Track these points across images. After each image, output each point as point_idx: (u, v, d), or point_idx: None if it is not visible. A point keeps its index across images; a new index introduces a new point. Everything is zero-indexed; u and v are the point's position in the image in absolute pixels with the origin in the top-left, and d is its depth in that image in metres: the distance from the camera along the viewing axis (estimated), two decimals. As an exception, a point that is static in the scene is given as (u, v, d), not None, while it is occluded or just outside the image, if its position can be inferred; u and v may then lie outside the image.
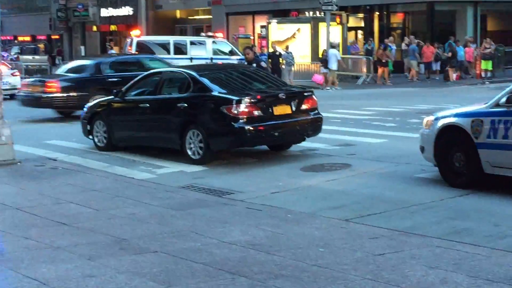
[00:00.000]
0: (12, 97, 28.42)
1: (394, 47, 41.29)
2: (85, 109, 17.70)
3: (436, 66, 39.16)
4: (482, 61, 38.63)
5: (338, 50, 38.31)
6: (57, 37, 74.41)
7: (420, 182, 12.08)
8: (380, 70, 38.04)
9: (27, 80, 28.94)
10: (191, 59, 35.91)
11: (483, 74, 38.31)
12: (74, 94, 23.64)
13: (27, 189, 12.41)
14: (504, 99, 10.89)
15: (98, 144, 16.89)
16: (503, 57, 40.40)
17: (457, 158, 11.42)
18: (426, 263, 7.46)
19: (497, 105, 10.95)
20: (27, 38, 77.13)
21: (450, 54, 38.28)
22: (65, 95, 23.89)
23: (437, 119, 11.90)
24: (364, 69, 39.21)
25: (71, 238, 8.93)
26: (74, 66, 27.62)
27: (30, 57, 55.21)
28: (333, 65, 36.14)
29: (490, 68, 38.35)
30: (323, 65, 37.67)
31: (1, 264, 7.82)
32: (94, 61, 26.92)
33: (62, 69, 28.65)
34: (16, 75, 33.20)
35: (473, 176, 11.20)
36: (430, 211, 10.11)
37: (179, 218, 9.95)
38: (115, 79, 23.51)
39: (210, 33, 45.22)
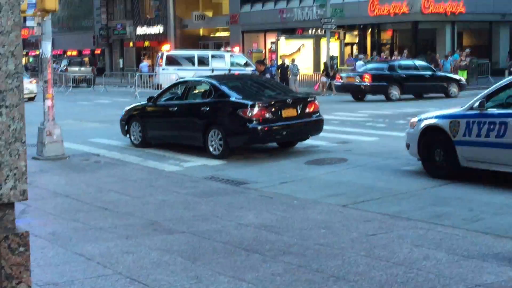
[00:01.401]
0: (30, 99, 31.69)
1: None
2: (123, 112, 17.72)
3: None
4: (459, 71, 38.58)
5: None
6: (99, 52, 74.49)
7: (406, 174, 12.07)
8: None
9: (344, 74, 34.57)
10: (212, 70, 35.96)
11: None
12: (379, 83, 30.85)
13: (75, 179, 12.46)
14: (477, 104, 10.87)
15: (134, 141, 16.90)
16: (476, 68, 40.51)
17: (437, 153, 11.41)
18: (411, 242, 7.48)
19: (471, 108, 10.94)
20: (74, 53, 77.46)
21: (433, 65, 38.40)
22: (374, 84, 30.78)
23: (420, 120, 11.90)
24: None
25: (111, 220, 8.98)
26: (371, 66, 34.10)
27: (76, 68, 55.47)
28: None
29: (465, 76, 38.23)
30: (324, 74, 37.64)
31: (54, 242, 7.87)
32: (387, 63, 33.69)
33: (362, 68, 34.10)
34: (33, 83, 35.28)
35: (451, 169, 11.19)
36: (414, 198, 10.13)
37: (203, 204, 9.98)
38: (404, 76, 30.85)
39: (228, 48, 45.31)
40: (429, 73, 32.59)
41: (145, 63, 54.05)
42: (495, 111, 10.58)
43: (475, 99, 11.13)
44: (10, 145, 2.29)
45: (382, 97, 31.05)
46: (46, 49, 15.55)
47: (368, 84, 31.15)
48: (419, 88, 32.48)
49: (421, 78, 32.24)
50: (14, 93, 2.31)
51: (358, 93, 31.94)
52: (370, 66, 34.72)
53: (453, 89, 32.08)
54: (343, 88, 33.21)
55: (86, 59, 68.07)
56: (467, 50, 41.12)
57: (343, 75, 34.10)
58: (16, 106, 2.30)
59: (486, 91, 11.17)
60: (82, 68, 56.41)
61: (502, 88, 10.91)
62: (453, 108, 11.74)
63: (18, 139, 2.31)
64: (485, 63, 42.68)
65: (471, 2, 44.78)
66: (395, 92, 30.86)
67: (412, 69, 32.66)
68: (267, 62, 40.54)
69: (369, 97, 31.95)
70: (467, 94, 28.59)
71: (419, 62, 34.75)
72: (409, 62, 34.75)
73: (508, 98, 10.76)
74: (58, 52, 75.32)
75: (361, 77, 31.76)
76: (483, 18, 46.03)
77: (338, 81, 33.77)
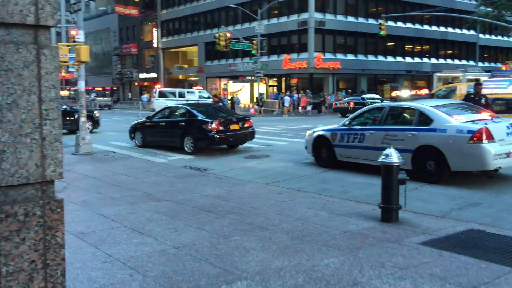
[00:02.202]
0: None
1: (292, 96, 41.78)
2: (130, 125, 17.48)
3: (309, 107, 38.31)
4: (337, 103, 39.22)
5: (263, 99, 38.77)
6: (115, 88, 73.56)
7: (305, 164, 12.16)
8: (285, 108, 37.97)
9: (337, 102, 35.95)
10: (187, 100, 35.66)
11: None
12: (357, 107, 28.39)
13: (99, 167, 12.16)
14: (347, 122, 11.08)
15: (137, 144, 16.59)
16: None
17: (324, 152, 11.55)
18: (306, 206, 7.53)
19: (343, 125, 11.13)
20: (99, 88, 76.73)
21: (322, 99, 39.09)
22: (355, 107, 29.03)
23: (314, 132, 12.01)
24: (277, 106, 39.23)
25: (122, 193, 8.80)
26: (349, 98, 35.14)
27: (101, 98, 55.72)
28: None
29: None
30: (256, 104, 37.90)
31: (84, 207, 7.66)
32: (360, 96, 34.09)
33: (347, 98, 35.39)
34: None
35: (332, 161, 11.33)
36: (309, 179, 10.22)
37: (180, 183, 9.87)
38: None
39: (197, 87, 45.17)
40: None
41: (144, 96, 53.73)
42: (357, 127, 10.75)
43: (345, 119, 11.35)
44: (52, 144, 2.27)
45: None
46: (81, 85, 15.39)
47: (352, 107, 31.46)
48: None
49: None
50: (55, 111, 2.29)
51: (345, 113, 30.91)
52: (348, 98, 35.56)
53: None
54: (337, 110, 34.66)
55: (108, 92, 67.96)
56: (344, 93, 41.95)
57: (337, 102, 36.09)
58: (56, 119, 2.27)
59: (352, 115, 11.37)
60: (105, 98, 56.63)
61: (361, 114, 11.14)
62: (334, 125, 11.93)
63: (57, 140, 2.29)
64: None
65: (344, 61, 45.78)
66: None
67: (373, 99, 32.57)
68: (221, 96, 40.68)
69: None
70: (340, 117, 29.06)
71: (375, 96, 35.56)
72: (372, 96, 35.38)
73: (364, 120, 10.99)
74: (89, 88, 74.84)
75: (348, 103, 33.29)
76: (351, 71, 47.09)
77: (334, 106, 36.13)
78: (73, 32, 16.01)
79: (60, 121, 2.26)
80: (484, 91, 12.96)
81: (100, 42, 77.79)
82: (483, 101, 11.47)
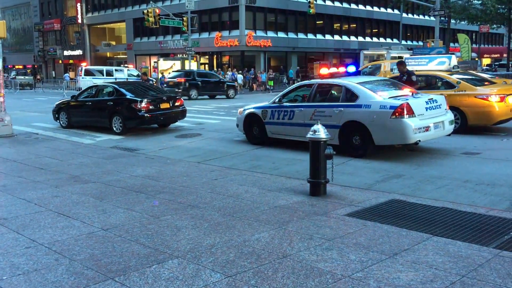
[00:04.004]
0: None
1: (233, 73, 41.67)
2: (54, 105, 16.66)
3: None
4: (269, 81, 39.55)
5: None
6: (37, 66, 69.81)
7: (236, 142, 12.20)
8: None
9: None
10: (115, 79, 34.50)
11: (269, 87, 39.11)
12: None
13: (20, 150, 11.52)
14: (277, 100, 11.18)
15: (62, 125, 15.90)
16: (278, 79, 41.85)
17: (255, 130, 11.60)
18: (238, 182, 7.58)
19: (274, 102, 11.21)
20: (20, 66, 72.65)
21: (253, 76, 39.15)
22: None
23: (245, 109, 12.01)
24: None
25: (45, 176, 8.41)
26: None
27: (22, 77, 53.12)
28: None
29: (272, 84, 39.23)
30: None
31: (4, 191, 7.25)
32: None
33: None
34: None
35: (263, 138, 11.42)
36: (241, 156, 10.27)
37: (108, 163, 9.57)
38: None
39: (126, 65, 43.73)
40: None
41: (66, 74, 51.37)
42: (287, 104, 10.85)
43: (276, 97, 11.42)
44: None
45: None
46: (-1, 63, 14.41)
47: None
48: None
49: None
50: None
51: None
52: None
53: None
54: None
55: (29, 71, 64.64)
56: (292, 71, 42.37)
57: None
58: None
59: (282, 93, 11.43)
60: (26, 77, 53.60)
61: (290, 91, 11.26)
62: (264, 102, 12.00)
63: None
64: (283, 76, 44.18)
65: (275, 39, 46.02)
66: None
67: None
68: (149, 75, 39.78)
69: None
70: (272, 95, 29.39)
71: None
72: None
73: (294, 97, 11.11)
74: (9, 66, 70.80)
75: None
76: (282, 49, 47.48)
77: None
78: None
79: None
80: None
81: (20, 17, 73.37)
82: (404, 78, 12.00)
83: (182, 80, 29.38)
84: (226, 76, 38.41)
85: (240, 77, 38.74)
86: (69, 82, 42.85)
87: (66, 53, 64.09)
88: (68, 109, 15.82)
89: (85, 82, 33.26)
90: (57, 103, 16.67)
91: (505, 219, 5.39)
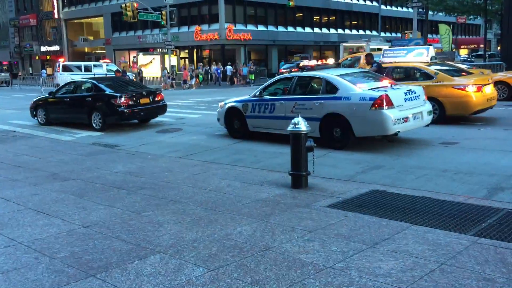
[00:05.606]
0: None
1: (205, 68, 41.48)
2: (31, 102, 16.33)
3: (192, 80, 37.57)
4: (249, 74, 39.44)
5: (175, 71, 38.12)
6: (14, 62, 68.44)
7: (217, 136, 12.17)
8: (196, 80, 37.50)
9: None
10: (94, 74, 34.06)
11: (249, 81, 39.02)
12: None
13: (-2, 148, 11.37)
14: (257, 93, 11.16)
15: (40, 122, 15.64)
16: (259, 73, 41.71)
17: (236, 123, 11.57)
18: (220, 177, 7.57)
19: (254, 96, 11.20)
20: (-5, 63, 71.48)
21: (234, 71, 39.07)
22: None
23: (226, 103, 11.96)
24: (188, 79, 38.53)
25: (24, 174, 8.29)
26: None
27: None
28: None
29: (253, 78, 39.15)
30: (168, 77, 37.14)
31: (-18, 190, 7.16)
32: None
33: None
34: None
35: (244, 132, 11.39)
36: (222, 151, 10.25)
37: (88, 160, 9.47)
38: None
39: (104, 60, 43.19)
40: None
41: (43, 71, 50.62)
42: (268, 97, 10.83)
43: (256, 90, 11.41)
44: None
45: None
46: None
47: None
48: None
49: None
50: None
51: None
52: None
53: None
54: None
55: (5, 68, 63.33)
56: (252, 64, 42.26)
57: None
58: None
59: (262, 86, 11.43)
60: (2, 73, 52.44)
61: (271, 84, 11.23)
62: (245, 96, 11.98)
63: None
64: (264, 70, 44.14)
65: (255, 32, 45.92)
66: None
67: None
68: (127, 70, 39.51)
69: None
70: (253, 88, 29.41)
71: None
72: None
73: (274, 90, 11.08)
74: (-16, 63, 69.63)
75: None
76: (262, 42, 47.40)
77: None
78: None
79: None
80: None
81: (-6, 12, 71.67)
82: (373, 66, 12.82)
83: None
84: (211, 71, 38.53)
85: (229, 68, 39.34)
86: (46, 78, 42.28)
87: (43, 48, 62.96)
88: (46, 106, 15.57)
89: (63, 78, 32.79)
90: (35, 99, 16.37)
91: (483, 207, 5.49)
